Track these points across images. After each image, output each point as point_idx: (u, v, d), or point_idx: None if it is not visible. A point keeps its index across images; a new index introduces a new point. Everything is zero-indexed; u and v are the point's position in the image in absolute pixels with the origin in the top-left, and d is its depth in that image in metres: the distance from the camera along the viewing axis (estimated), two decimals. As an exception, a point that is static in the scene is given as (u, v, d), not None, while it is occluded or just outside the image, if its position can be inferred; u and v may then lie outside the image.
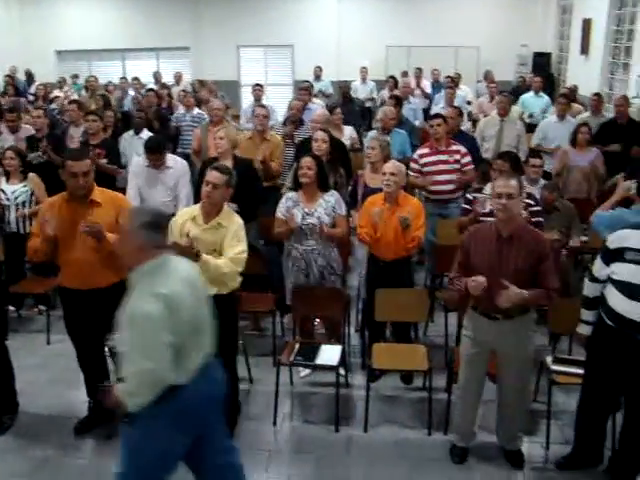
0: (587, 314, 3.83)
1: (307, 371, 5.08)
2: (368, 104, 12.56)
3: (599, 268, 3.67)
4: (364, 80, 12.80)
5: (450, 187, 6.20)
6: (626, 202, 4.39)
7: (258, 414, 4.63)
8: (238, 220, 4.12)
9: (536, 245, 3.68)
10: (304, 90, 8.82)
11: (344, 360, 4.82)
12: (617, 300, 3.55)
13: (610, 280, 3.60)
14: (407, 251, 4.84)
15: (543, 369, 4.51)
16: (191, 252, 3.83)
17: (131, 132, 7.50)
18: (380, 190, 4.83)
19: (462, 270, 3.87)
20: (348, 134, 7.63)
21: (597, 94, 8.91)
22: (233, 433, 4.34)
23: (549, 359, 4.40)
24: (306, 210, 4.78)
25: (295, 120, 7.24)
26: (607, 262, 3.60)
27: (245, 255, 4.06)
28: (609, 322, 3.65)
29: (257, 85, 9.58)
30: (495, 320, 3.81)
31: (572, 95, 10.23)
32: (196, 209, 4.17)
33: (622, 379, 3.71)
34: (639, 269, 3.43)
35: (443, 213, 6.23)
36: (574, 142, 7.01)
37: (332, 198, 4.85)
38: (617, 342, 3.62)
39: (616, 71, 12.43)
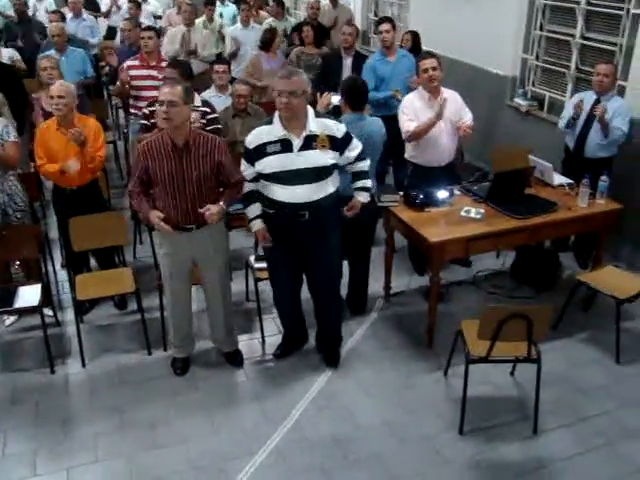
0: (250, 211, 3.92)
1: (12, 318, 4.73)
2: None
3: (246, 169, 3.82)
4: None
5: None
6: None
7: (-39, 376, 4.25)
8: None
9: (212, 148, 3.72)
10: None
11: (50, 299, 4.57)
12: (273, 190, 3.75)
13: (263, 176, 3.77)
14: (91, 172, 4.61)
15: (248, 269, 4.70)
16: None
17: None
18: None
19: (142, 185, 3.80)
20: (8, 56, 7.16)
21: (276, 1, 9.28)
22: None
23: (252, 258, 4.61)
24: None
25: None
26: (252, 162, 3.76)
27: None
28: (271, 211, 3.86)
29: None
30: (189, 231, 3.84)
31: (257, 3, 10.38)
32: None
33: (296, 258, 4.00)
34: (280, 157, 3.66)
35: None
36: (265, 47, 7.20)
37: None
38: (282, 226, 3.85)
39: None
